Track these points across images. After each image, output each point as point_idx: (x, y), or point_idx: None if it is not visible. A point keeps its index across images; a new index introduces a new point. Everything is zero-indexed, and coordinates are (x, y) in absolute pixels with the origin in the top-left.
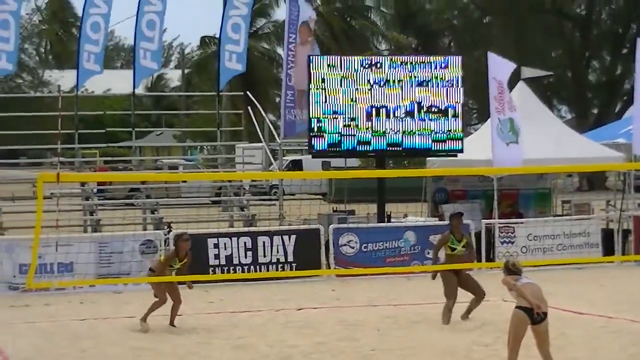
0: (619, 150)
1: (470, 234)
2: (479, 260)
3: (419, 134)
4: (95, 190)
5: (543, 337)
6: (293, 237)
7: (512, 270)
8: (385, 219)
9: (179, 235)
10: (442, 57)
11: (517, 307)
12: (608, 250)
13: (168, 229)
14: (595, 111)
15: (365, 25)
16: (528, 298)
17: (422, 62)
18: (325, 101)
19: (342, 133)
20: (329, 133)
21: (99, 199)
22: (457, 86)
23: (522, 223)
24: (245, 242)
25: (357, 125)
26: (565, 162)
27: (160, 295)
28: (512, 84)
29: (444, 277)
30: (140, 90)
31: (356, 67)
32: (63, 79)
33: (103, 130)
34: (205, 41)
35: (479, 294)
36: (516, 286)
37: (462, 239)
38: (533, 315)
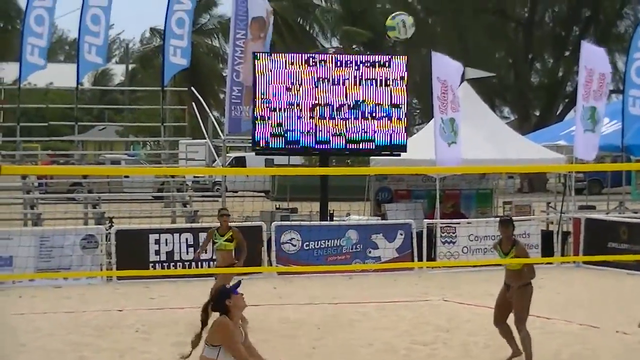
0: (559, 152)
1: (412, 232)
2: (420, 260)
3: (362, 133)
4: (36, 183)
5: None
6: None
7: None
8: (328, 217)
9: (219, 210)
10: (386, 57)
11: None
12: (547, 251)
13: (110, 224)
14: (537, 113)
15: (314, 19)
16: None
17: (367, 60)
18: (270, 98)
19: (286, 130)
20: (272, 130)
21: (40, 193)
22: (402, 85)
23: (463, 223)
24: (187, 238)
25: (301, 123)
26: (507, 163)
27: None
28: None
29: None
30: (83, 85)
31: (301, 65)
32: (4, 72)
33: (45, 124)
34: (153, 32)
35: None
36: None
37: (509, 251)
38: None
